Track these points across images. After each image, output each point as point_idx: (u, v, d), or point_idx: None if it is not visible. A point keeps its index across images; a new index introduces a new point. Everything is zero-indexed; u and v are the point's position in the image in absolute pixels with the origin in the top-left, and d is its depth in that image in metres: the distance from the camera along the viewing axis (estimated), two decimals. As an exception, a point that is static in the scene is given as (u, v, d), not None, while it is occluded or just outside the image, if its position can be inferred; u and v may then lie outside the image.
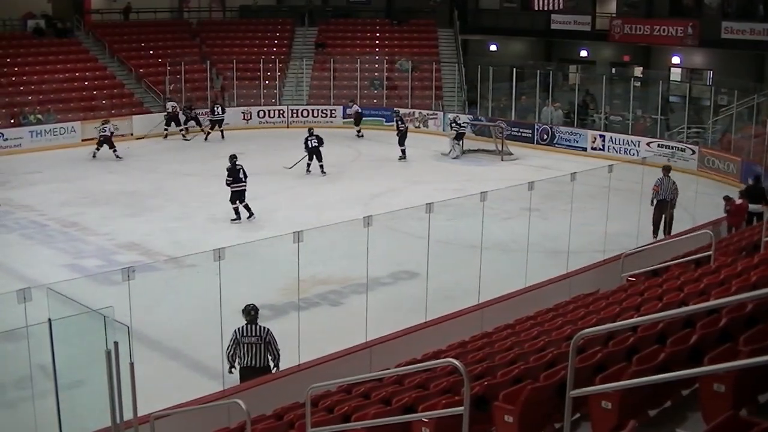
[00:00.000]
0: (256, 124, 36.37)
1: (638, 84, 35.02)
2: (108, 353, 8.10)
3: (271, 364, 11.71)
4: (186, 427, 10.05)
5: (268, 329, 11.75)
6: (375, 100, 37.67)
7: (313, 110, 37.19)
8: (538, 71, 34.86)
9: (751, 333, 7.00)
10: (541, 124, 33.42)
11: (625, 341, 8.12)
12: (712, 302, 6.93)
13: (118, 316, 8.50)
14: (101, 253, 19.23)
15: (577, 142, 32.18)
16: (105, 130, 29.38)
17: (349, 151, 30.81)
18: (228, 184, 21.59)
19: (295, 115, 37.09)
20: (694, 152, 28.58)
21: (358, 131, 34.36)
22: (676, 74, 36.94)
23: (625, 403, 6.40)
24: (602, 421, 6.51)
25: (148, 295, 14.16)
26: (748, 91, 28.76)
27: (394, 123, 31.55)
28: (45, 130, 31.54)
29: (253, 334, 11.62)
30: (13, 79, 33.57)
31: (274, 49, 40.20)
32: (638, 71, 38.31)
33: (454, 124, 31.10)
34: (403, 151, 30.00)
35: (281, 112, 37.05)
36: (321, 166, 27.38)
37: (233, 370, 11.70)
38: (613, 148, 31.10)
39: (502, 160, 30.39)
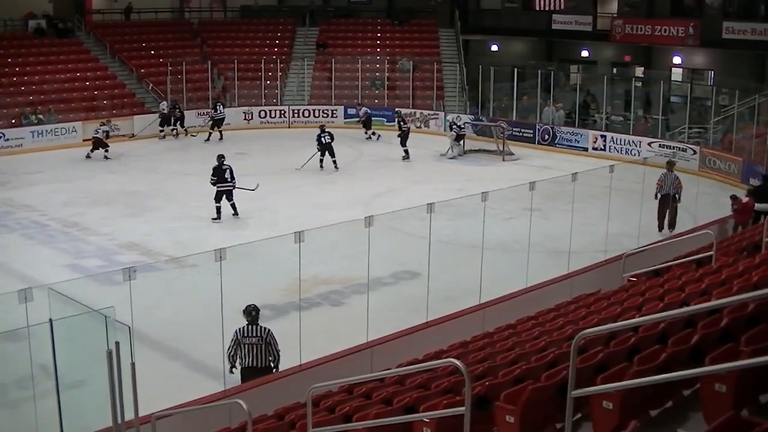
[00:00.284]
0: (258, 124, 36.38)
1: (639, 84, 35.02)
2: (109, 353, 8.11)
3: (272, 364, 11.71)
4: (187, 427, 10.05)
5: (269, 330, 11.75)
6: (376, 101, 37.67)
7: (314, 110, 37.18)
8: (539, 71, 34.86)
9: (753, 333, 6.99)
10: (542, 124, 33.42)
11: (626, 341, 8.12)
12: (714, 302, 6.93)
13: (119, 316, 8.51)
14: (102, 253, 19.24)
15: (578, 142, 32.17)
16: (98, 132, 29.44)
17: (351, 152, 30.79)
18: (213, 183, 21.85)
19: (296, 115, 37.09)
20: (695, 152, 28.57)
21: (372, 133, 33.91)
22: (677, 74, 36.89)
23: (626, 403, 6.39)
24: (603, 422, 6.50)
25: (149, 295, 14.19)
26: (749, 91, 28.73)
27: (396, 123, 31.57)
28: (46, 131, 31.56)
29: (254, 334, 11.61)
30: (14, 79, 33.58)
31: (276, 49, 40.21)
32: (639, 71, 38.31)
33: (454, 126, 31.07)
34: (406, 151, 29.99)
35: (282, 112, 37.06)
36: (334, 162, 28.05)
37: (234, 370, 11.71)
38: (614, 148, 31.10)
39: (503, 160, 30.38)
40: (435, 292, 13.91)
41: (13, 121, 31.68)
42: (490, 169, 29.17)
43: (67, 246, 19.84)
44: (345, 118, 36.51)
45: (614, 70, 39.48)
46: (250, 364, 11.59)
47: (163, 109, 33.56)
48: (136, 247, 19.69)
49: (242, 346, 11.59)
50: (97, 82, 35.90)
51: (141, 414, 8.81)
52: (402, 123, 30.85)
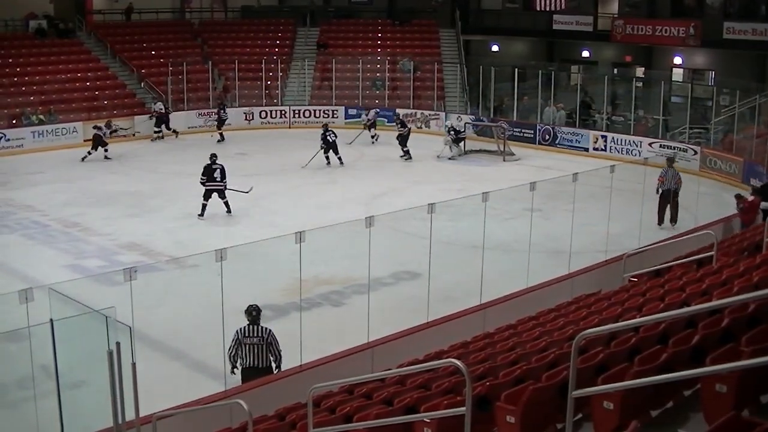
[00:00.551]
0: (258, 124, 36.38)
1: (640, 84, 35.01)
2: (110, 353, 8.11)
3: (273, 364, 11.71)
4: (188, 427, 10.05)
5: (270, 330, 11.76)
6: (377, 101, 37.64)
7: (315, 111, 37.17)
8: (540, 71, 34.85)
9: (753, 333, 7.00)
10: (542, 124, 33.42)
11: (627, 341, 8.12)
12: (714, 303, 6.93)
13: (120, 316, 8.51)
14: (103, 254, 19.24)
15: (578, 142, 32.17)
16: (99, 129, 29.48)
17: (352, 152, 30.77)
18: (201, 183, 22.14)
19: (297, 115, 37.10)
20: (696, 153, 28.57)
21: (372, 135, 33.39)
22: (678, 75, 36.91)
23: (627, 403, 6.40)
24: (604, 422, 6.51)
25: (149, 295, 14.20)
26: (750, 91, 28.72)
27: (395, 126, 31.42)
28: (47, 131, 31.56)
29: (255, 334, 11.62)
30: (15, 79, 33.58)
31: (276, 50, 40.21)
32: (640, 72, 38.31)
33: (452, 131, 30.95)
34: (407, 152, 29.96)
35: (283, 112, 37.07)
36: (339, 158, 28.59)
37: (235, 370, 11.71)
38: (615, 148, 31.09)
39: (504, 160, 30.38)
40: (436, 293, 13.91)
41: (14, 121, 31.68)
42: (490, 169, 29.16)
43: (68, 246, 19.84)
44: (346, 119, 36.49)
45: (615, 71, 39.47)
46: (251, 365, 11.60)
47: (160, 109, 33.47)
48: (136, 247, 19.69)
49: (243, 346, 11.59)
50: (97, 83, 35.92)
51: (142, 414, 8.82)
52: (400, 126, 30.76)
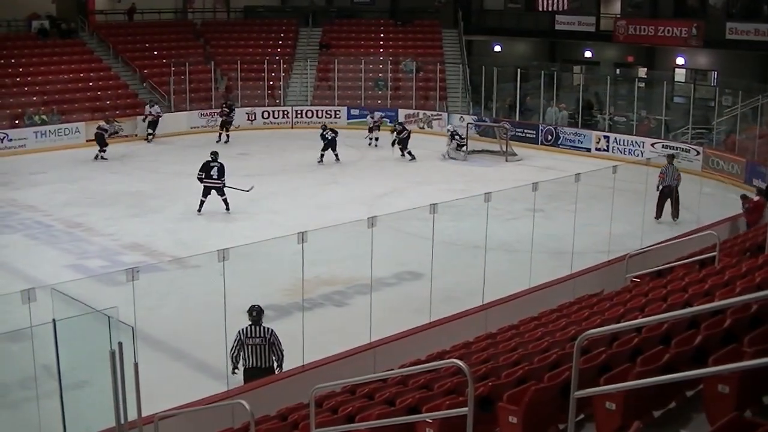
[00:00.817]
0: (261, 124, 36.38)
1: (642, 85, 35.00)
2: (112, 354, 8.11)
3: (275, 364, 11.71)
4: (190, 427, 10.06)
5: (272, 330, 11.75)
6: (379, 101, 37.66)
7: (317, 111, 37.17)
8: (543, 72, 34.84)
9: (756, 334, 7.00)
10: (545, 124, 33.42)
11: (629, 342, 8.12)
12: (717, 303, 6.94)
13: (123, 316, 8.51)
14: (105, 254, 19.25)
15: (581, 142, 32.16)
16: (100, 128, 29.51)
17: (354, 152, 30.80)
18: (199, 179, 22.40)
19: (299, 115, 37.10)
20: (698, 153, 28.55)
21: (375, 138, 32.87)
22: (680, 75, 36.91)
23: (629, 403, 6.39)
24: (606, 422, 6.50)
25: (152, 295, 14.23)
26: (752, 91, 28.71)
27: (394, 128, 31.25)
28: (49, 131, 31.58)
29: (257, 335, 11.62)
30: (18, 79, 33.60)
31: (279, 50, 40.21)
32: (642, 72, 38.30)
33: (456, 136, 30.92)
34: (410, 153, 29.98)
35: (285, 112, 37.08)
36: (336, 155, 29.12)
37: (236, 371, 11.70)
38: (618, 148, 31.08)
39: (506, 160, 30.38)
40: (438, 293, 13.92)
41: (17, 121, 31.70)
42: (493, 169, 29.16)
43: (71, 246, 19.85)
44: (348, 119, 36.51)
45: (617, 71, 39.48)
46: (254, 365, 11.59)
47: (158, 113, 33.23)
48: (139, 247, 19.70)
49: (245, 346, 11.59)
50: (100, 83, 35.96)
51: (144, 414, 8.80)
52: (399, 130, 30.63)
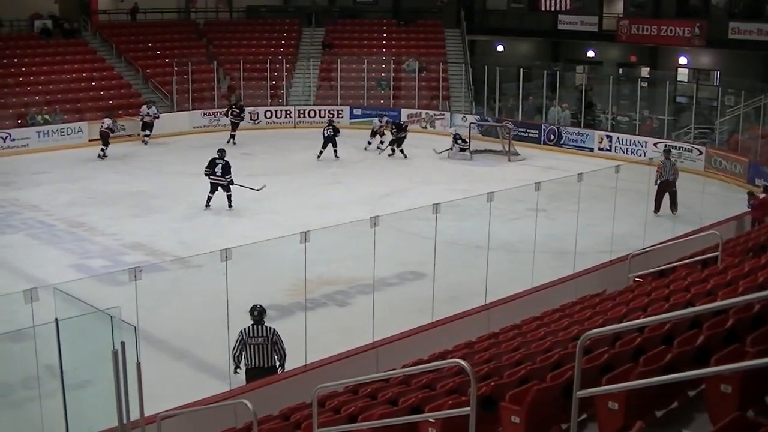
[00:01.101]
0: (263, 124, 36.38)
1: (645, 84, 34.98)
2: (115, 353, 8.12)
3: (277, 363, 11.72)
4: (192, 427, 10.06)
5: (275, 329, 11.76)
6: (382, 101, 37.69)
7: (320, 111, 37.16)
8: (545, 72, 34.83)
9: (758, 334, 6.99)
10: (547, 124, 33.41)
11: (631, 342, 8.12)
12: (719, 303, 6.93)
13: (125, 316, 8.51)
14: (108, 254, 19.26)
15: (583, 142, 32.15)
16: (103, 125, 29.51)
17: (356, 152, 30.81)
18: (205, 175, 22.72)
19: (301, 115, 37.10)
20: (701, 153, 28.54)
21: (381, 142, 32.06)
22: (683, 75, 36.90)
23: (631, 403, 6.39)
24: (609, 422, 6.50)
25: (154, 295, 14.21)
26: (755, 91, 28.71)
27: (391, 128, 31.18)
28: (52, 131, 31.59)
29: (260, 334, 11.62)
30: (20, 79, 33.61)
31: (281, 50, 40.22)
32: (645, 72, 38.28)
33: (459, 140, 30.88)
34: (402, 150, 30.15)
35: (288, 112, 37.08)
36: (335, 151, 29.58)
37: (238, 370, 11.70)
38: (620, 148, 31.07)
39: (509, 160, 30.37)
40: (440, 293, 13.90)
41: (19, 121, 31.70)
42: (495, 169, 29.16)
43: (73, 246, 19.86)
44: (351, 119, 36.50)
45: (620, 71, 39.47)
46: (257, 365, 11.60)
47: (155, 114, 32.93)
48: (141, 247, 19.71)
49: (248, 346, 11.59)
50: (103, 83, 35.99)
51: (146, 414, 8.81)
52: (397, 131, 30.60)
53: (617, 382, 6.50)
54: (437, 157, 30.53)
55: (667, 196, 22.39)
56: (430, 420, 7.30)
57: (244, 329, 11.62)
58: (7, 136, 30.56)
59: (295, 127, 36.57)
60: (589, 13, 39.79)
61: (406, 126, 31.46)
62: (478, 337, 11.66)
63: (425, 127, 35.64)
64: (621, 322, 9.19)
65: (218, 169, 22.53)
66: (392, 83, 38.29)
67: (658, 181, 22.27)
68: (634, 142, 30.81)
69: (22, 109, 32.11)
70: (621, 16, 38.58)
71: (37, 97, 32.79)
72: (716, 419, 6.07)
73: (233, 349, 11.62)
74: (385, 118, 32.64)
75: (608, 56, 40.80)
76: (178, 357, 13.94)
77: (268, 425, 8.81)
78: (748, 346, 6.67)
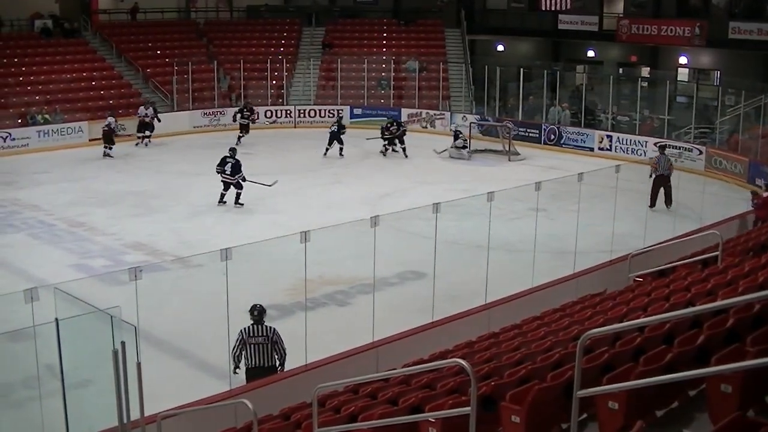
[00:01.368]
0: (263, 124, 36.35)
1: (645, 84, 34.97)
2: (115, 353, 8.12)
3: (277, 363, 11.72)
4: (193, 427, 10.06)
5: (275, 329, 11.76)
6: (382, 100, 37.69)
7: (320, 110, 37.18)
8: (546, 71, 34.82)
9: (759, 333, 6.99)
10: (548, 124, 33.40)
11: (632, 341, 8.12)
12: (720, 303, 6.93)
13: (125, 316, 8.51)
14: (108, 253, 19.26)
15: (584, 142, 32.15)
16: (109, 125, 29.51)
17: (357, 152, 30.79)
18: (217, 172, 23.07)
19: (302, 115, 37.10)
20: (701, 153, 28.54)
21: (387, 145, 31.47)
22: (683, 74, 36.90)
23: (632, 403, 6.39)
24: (609, 422, 6.50)
25: (155, 295, 14.18)
26: (755, 91, 28.71)
27: (393, 127, 31.16)
28: (52, 130, 31.60)
29: (260, 334, 11.62)
30: (21, 79, 33.62)
31: (282, 49, 40.23)
32: (645, 71, 38.28)
33: (460, 135, 30.93)
34: (385, 147, 30.41)
35: (288, 112, 37.08)
36: (340, 149, 29.88)
37: (237, 370, 11.70)
38: (620, 148, 31.07)
39: (509, 160, 30.37)
40: (440, 292, 13.90)
41: (20, 120, 31.72)
42: (495, 169, 29.15)
43: (74, 246, 19.86)
44: (351, 118, 36.46)
45: (620, 71, 39.46)
46: (257, 364, 11.60)
47: (152, 116, 32.52)
48: (142, 246, 19.71)
49: (248, 346, 11.59)
50: (103, 82, 35.99)
51: (147, 414, 8.81)
52: (396, 128, 30.66)
53: (617, 382, 6.50)
54: (437, 157, 30.53)
55: (662, 191, 22.69)
56: (430, 420, 7.30)
57: (244, 329, 11.62)
58: (7, 136, 30.57)
59: (295, 127, 36.57)
60: (590, 13, 39.79)
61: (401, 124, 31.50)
62: (479, 336, 11.66)
63: (425, 127, 35.64)
64: (621, 322, 9.19)
65: (228, 168, 22.90)
66: (392, 83, 38.28)
67: (653, 176, 22.78)
68: (635, 141, 30.81)
69: (23, 109, 32.12)
70: (621, 15, 38.57)
71: (37, 97, 32.80)
72: (717, 419, 6.07)
73: (233, 349, 11.62)
74: (395, 124, 31.84)
75: (608, 56, 40.80)
76: (178, 357, 13.94)
77: (268, 425, 8.81)
78: (748, 345, 6.67)
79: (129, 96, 35.65)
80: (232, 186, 22.94)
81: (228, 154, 23.31)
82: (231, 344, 11.58)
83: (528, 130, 33.63)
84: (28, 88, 33.14)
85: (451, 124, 34.12)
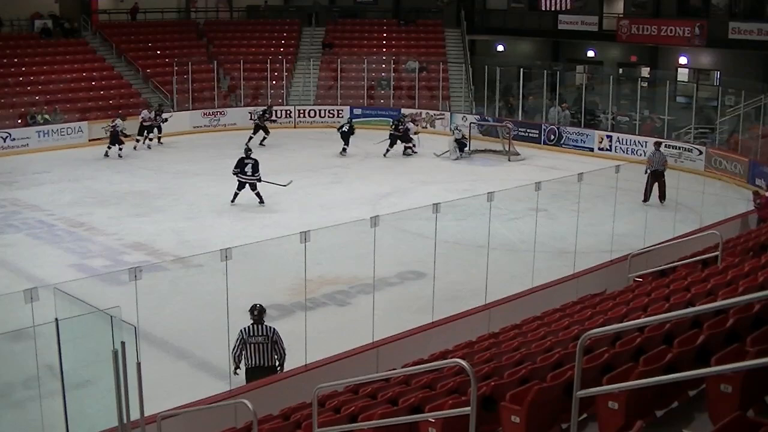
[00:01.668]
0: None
1: (645, 84, 34.98)
2: (115, 353, 8.11)
3: (277, 363, 11.72)
4: (193, 427, 10.06)
5: (274, 328, 11.77)
6: (382, 101, 37.70)
7: (320, 110, 37.19)
8: (546, 71, 34.83)
9: (758, 333, 6.98)
10: (548, 124, 33.39)
11: (632, 341, 8.11)
12: (719, 303, 6.93)
13: (125, 316, 8.52)
14: (108, 253, 19.26)
15: (584, 142, 32.14)
16: (116, 126, 29.50)
17: (358, 152, 30.81)
18: (234, 174, 23.02)
19: (302, 115, 37.11)
20: (701, 153, 28.54)
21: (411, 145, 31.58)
22: (683, 75, 36.91)
23: (632, 403, 6.39)
24: (609, 422, 6.50)
25: (155, 295, 14.22)
26: (755, 91, 28.71)
27: (397, 125, 31.29)
28: (52, 130, 31.60)
29: (260, 333, 11.63)
30: (21, 79, 33.63)
31: (282, 50, 40.24)
32: (645, 71, 38.28)
33: (458, 131, 30.95)
34: (388, 150, 30.46)
35: (288, 112, 37.07)
36: (344, 148, 30.51)
37: (238, 371, 11.70)
38: (620, 148, 31.06)
39: (509, 160, 30.37)
40: (441, 292, 13.91)
41: (20, 120, 31.73)
42: (495, 169, 29.16)
43: (74, 246, 19.86)
44: (352, 118, 36.41)
45: (620, 71, 39.46)
46: (257, 364, 11.60)
47: (151, 118, 32.09)
48: (142, 247, 19.70)
49: (248, 345, 11.60)
50: (103, 82, 36.01)
51: (147, 414, 8.81)
52: (401, 125, 30.79)
53: (617, 382, 6.50)
54: (438, 157, 30.52)
55: (656, 187, 23.06)
56: (430, 420, 7.30)
57: (244, 328, 11.62)
58: (7, 136, 30.58)
59: (295, 127, 36.56)
60: (590, 13, 39.81)
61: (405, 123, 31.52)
62: (479, 336, 11.65)
63: (425, 127, 35.61)
64: (621, 322, 9.18)
65: (248, 169, 22.91)
66: (392, 83, 38.27)
67: (648, 171, 23.25)
68: (634, 142, 30.80)
69: (22, 109, 32.12)
70: (621, 15, 38.58)
71: (37, 97, 32.80)
72: (716, 419, 6.07)
73: (233, 349, 11.62)
74: (409, 123, 31.87)
75: (608, 56, 40.81)
76: (178, 357, 13.93)
77: (268, 425, 8.81)
78: (748, 345, 6.66)
79: (129, 96, 35.66)
80: (247, 185, 22.92)
81: (244, 155, 23.33)
82: (231, 344, 11.58)
83: (528, 131, 33.63)
84: (28, 88, 33.14)
85: (451, 124, 34.10)
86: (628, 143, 30.97)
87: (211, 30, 41.73)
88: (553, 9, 39.84)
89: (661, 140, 25.31)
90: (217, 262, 11.02)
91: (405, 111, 35.73)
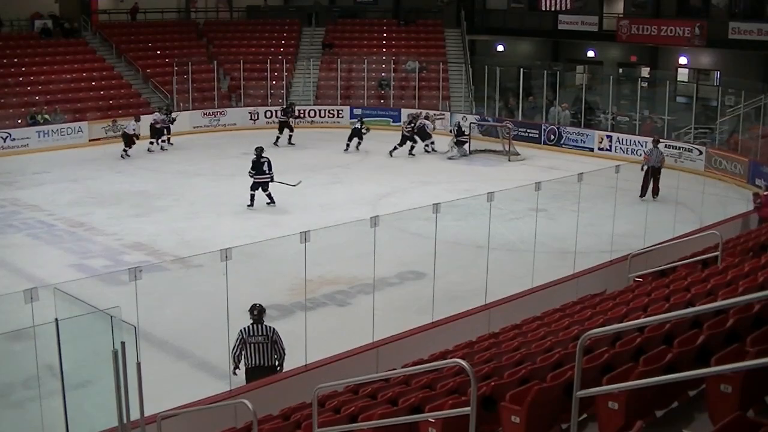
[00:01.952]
0: (264, 124, 36.28)
1: (645, 84, 34.97)
2: (115, 353, 8.12)
3: (277, 363, 11.72)
4: (193, 427, 10.06)
5: (274, 328, 11.77)
6: (382, 101, 37.69)
7: (320, 110, 37.17)
8: (545, 71, 34.82)
9: (758, 334, 6.98)
10: (548, 124, 33.39)
11: (632, 342, 8.11)
12: (719, 303, 6.93)
13: (125, 316, 8.52)
14: (108, 253, 19.25)
15: (584, 142, 32.14)
16: (127, 128, 29.51)
17: (357, 151, 30.80)
18: (251, 175, 22.99)
19: (302, 115, 37.06)
20: (701, 153, 28.53)
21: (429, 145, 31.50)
22: (683, 75, 36.91)
23: (632, 403, 6.39)
24: (609, 422, 6.50)
25: (155, 295, 14.22)
26: (755, 91, 28.71)
27: (406, 124, 31.36)
28: (52, 131, 31.59)
29: (260, 333, 11.63)
30: (21, 79, 33.63)
31: (282, 50, 40.23)
32: (645, 72, 38.28)
33: (456, 128, 30.96)
34: (395, 148, 30.46)
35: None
36: (348, 145, 31.02)
37: (237, 371, 11.70)
38: (620, 148, 31.05)
39: (509, 160, 30.36)
40: (441, 293, 13.90)
41: (20, 121, 31.72)
42: (496, 169, 29.15)
43: (74, 246, 19.86)
44: (351, 118, 36.42)
45: (620, 71, 39.46)
46: (257, 364, 11.60)
47: (156, 120, 31.61)
48: (142, 247, 19.70)
49: (248, 345, 11.59)
50: (103, 82, 36.00)
51: (147, 414, 8.81)
52: (412, 125, 30.87)
53: (617, 382, 6.50)
54: (438, 157, 30.53)
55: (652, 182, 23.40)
56: (430, 420, 7.30)
57: (244, 328, 11.62)
58: (7, 136, 30.57)
59: (295, 127, 36.47)
60: (590, 13, 39.81)
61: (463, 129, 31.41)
62: (479, 336, 11.65)
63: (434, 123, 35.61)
64: (621, 322, 9.19)
65: (265, 167, 22.95)
66: (392, 83, 38.27)
67: (645, 167, 23.64)
68: (634, 142, 30.79)
69: (22, 109, 32.11)
70: (621, 16, 38.58)
71: (37, 97, 32.79)
72: (716, 419, 6.07)
73: (233, 349, 11.62)
74: (420, 121, 31.51)
75: (608, 56, 40.80)
76: (178, 357, 13.94)
77: (268, 425, 8.81)
78: (748, 346, 6.66)
79: (129, 96, 35.66)
80: (260, 186, 22.84)
81: (256, 155, 23.16)
82: (231, 344, 11.58)
83: (528, 131, 33.62)
84: (28, 88, 33.15)
85: (450, 125, 34.09)
86: (628, 143, 30.96)
87: (211, 30, 41.73)
88: (553, 9, 39.84)
89: (659, 139, 25.51)
90: (217, 262, 11.01)
91: (410, 110, 35.74)
